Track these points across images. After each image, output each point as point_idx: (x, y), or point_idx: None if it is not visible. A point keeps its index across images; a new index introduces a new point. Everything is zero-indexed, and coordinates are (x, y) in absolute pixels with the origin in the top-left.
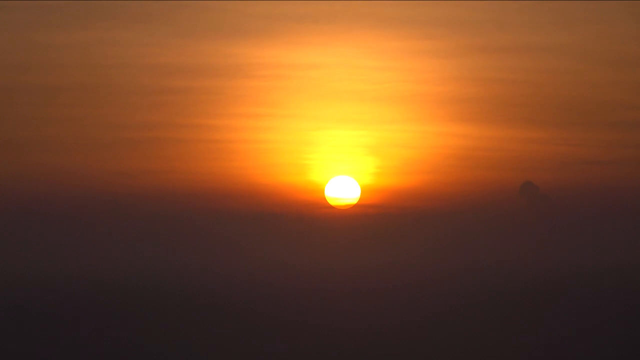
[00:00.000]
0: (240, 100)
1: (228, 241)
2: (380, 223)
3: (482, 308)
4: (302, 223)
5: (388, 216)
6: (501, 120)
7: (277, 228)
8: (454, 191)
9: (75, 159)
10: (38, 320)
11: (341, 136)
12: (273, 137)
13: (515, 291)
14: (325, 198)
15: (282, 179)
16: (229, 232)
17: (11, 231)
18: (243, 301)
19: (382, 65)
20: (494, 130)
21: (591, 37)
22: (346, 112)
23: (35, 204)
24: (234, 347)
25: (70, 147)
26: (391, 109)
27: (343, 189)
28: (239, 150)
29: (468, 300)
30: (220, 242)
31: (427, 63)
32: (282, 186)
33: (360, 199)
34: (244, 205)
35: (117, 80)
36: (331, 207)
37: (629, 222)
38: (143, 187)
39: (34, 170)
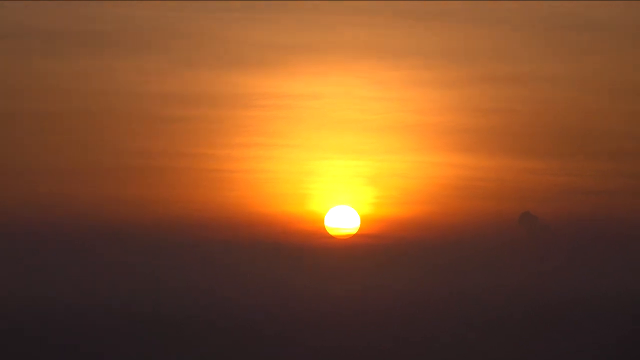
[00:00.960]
0: (240, 130)
1: (228, 269)
2: (379, 252)
3: (481, 331)
4: (302, 252)
5: (387, 246)
6: (500, 150)
7: (276, 257)
8: (453, 221)
9: (74, 185)
10: (38, 345)
11: (340, 166)
12: (273, 166)
13: (515, 315)
14: (324, 228)
15: (281, 209)
16: (229, 261)
17: (10, 256)
18: (243, 325)
19: (382, 95)
20: (493, 160)
21: (590, 66)
22: (345, 142)
23: (35, 229)
24: None
25: (70, 173)
26: (390, 139)
27: (342, 219)
28: (239, 180)
29: (467, 322)
30: (220, 270)
31: (426, 93)
32: (281, 215)
33: (359, 228)
34: (244, 234)
35: (118, 108)
36: (331, 237)
37: (627, 250)
38: (142, 214)
39: (34, 196)
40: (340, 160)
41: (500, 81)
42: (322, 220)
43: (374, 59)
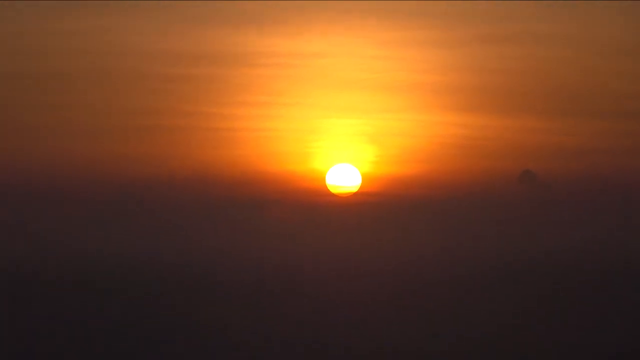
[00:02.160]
0: (243, 89)
1: (231, 226)
2: (380, 210)
3: (481, 290)
4: (304, 209)
5: (388, 203)
6: (498, 109)
7: (280, 214)
8: (453, 179)
9: (84, 143)
10: (46, 298)
11: (342, 125)
12: (276, 125)
13: (515, 272)
14: (326, 186)
15: (284, 167)
16: (232, 218)
17: (23, 214)
18: (246, 281)
19: (383, 54)
20: (491, 119)
21: (590, 26)
22: (348, 101)
23: (46, 186)
24: (238, 324)
25: (79, 132)
26: (391, 98)
27: (344, 177)
28: (242, 138)
29: (466, 282)
30: (223, 227)
31: (427, 53)
32: (284, 173)
33: (360, 186)
34: (248, 192)
35: (125, 67)
36: (332, 194)
37: (623, 208)
38: (148, 172)
39: (44, 154)
40: (342, 119)
41: (500, 41)
42: (324, 179)
43: (376, 19)
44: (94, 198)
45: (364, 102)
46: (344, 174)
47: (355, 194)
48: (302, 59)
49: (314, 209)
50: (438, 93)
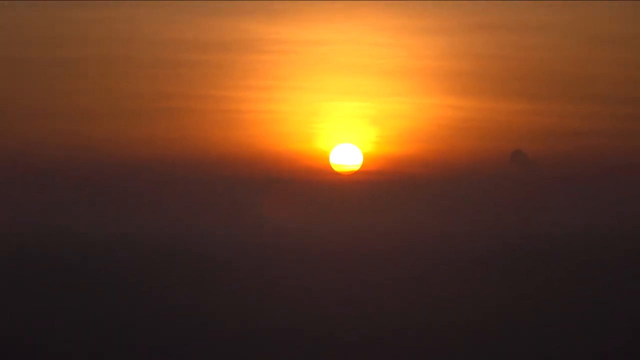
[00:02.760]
0: (250, 74)
1: (239, 203)
2: (380, 187)
3: (475, 264)
4: (308, 187)
5: (388, 181)
6: (492, 94)
7: (284, 192)
8: (449, 158)
9: (99, 126)
10: (58, 273)
11: (345, 107)
12: (281, 107)
13: (509, 247)
14: (330, 165)
15: (289, 147)
16: (240, 195)
17: (41, 194)
18: (252, 257)
19: (383, 41)
20: (486, 103)
21: (575, 16)
22: (350, 85)
23: (64, 167)
24: (241, 300)
25: (95, 116)
26: (391, 82)
27: (346, 156)
28: (250, 120)
29: (461, 257)
30: (231, 204)
31: (425, 40)
32: (289, 153)
33: (362, 165)
34: (254, 170)
35: (138, 54)
36: (336, 173)
37: (608, 185)
38: (160, 152)
39: (61, 137)
40: (345, 102)
41: (494, 30)
42: (328, 158)
43: (376, 8)
44: (110, 177)
45: (364, 86)
46: (346, 154)
47: (357, 172)
48: (305, 46)
49: (318, 186)
50: (436, 78)
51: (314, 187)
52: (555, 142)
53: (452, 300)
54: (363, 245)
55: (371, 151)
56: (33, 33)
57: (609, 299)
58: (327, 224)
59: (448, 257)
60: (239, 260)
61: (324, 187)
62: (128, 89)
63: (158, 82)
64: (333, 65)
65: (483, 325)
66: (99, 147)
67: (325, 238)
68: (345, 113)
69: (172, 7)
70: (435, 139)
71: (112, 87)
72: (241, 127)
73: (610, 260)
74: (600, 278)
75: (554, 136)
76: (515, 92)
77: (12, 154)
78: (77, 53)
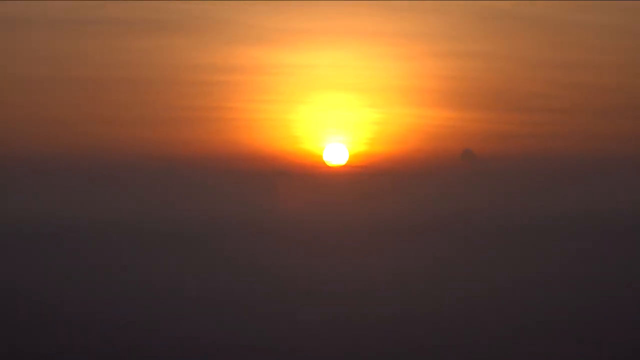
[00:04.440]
0: (261, 90)
1: (252, 189)
2: (362, 178)
3: (428, 234)
4: (305, 179)
5: (368, 174)
6: (449, 106)
7: (288, 181)
8: (415, 156)
9: (145, 131)
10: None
11: (334, 116)
12: (285, 116)
13: (454, 222)
14: (323, 160)
15: (292, 146)
16: (253, 183)
17: (89, 187)
18: (265, 226)
19: (364, 65)
20: (444, 113)
21: (516, 45)
22: (337, 99)
23: (111, 164)
24: (241, 282)
25: (142, 123)
26: (370, 97)
27: (336, 154)
28: (259, 126)
29: (421, 231)
30: (246, 190)
31: (397, 64)
32: (292, 151)
33: (348, 161)
34: (265, 165)
35: (173, 75)
36: (327, 167)
37: (537, 176)
38: (192, 151)
39: (114, 140)
40: (333, 112)
41: (451, 56)
42: (322, 155)
43: (357, 39)
44: (157, 169)
45: (349, 100)
46: (336, 152)
47: (344, 166)
48: (302, 69)
49: (314, 177)
50: (405, 93)
51: (310, 177)
52: (496, 143)
53: (404, 263)
54: (349, 219)
55: (355, 150)
56: (99, 59)
57: (526, 264)
58: (320, 205)
59: (410, 229)
60: (255, 229)
61: (318, 177)
62: (168, 103)
63: (193, 97)
64: (324, 84)
65: (431, 280)
66: (148, 147)
67: (320, 215)
68: (334, 120)
69: (198, 39)
70: (404, 141)
71: (157, 101)
72: (253, 131)
73: (537, 232)
74: (525, 245)
75: (495, 138)
76: (467, 104)
77: (87, 153)
78: (126, 74)
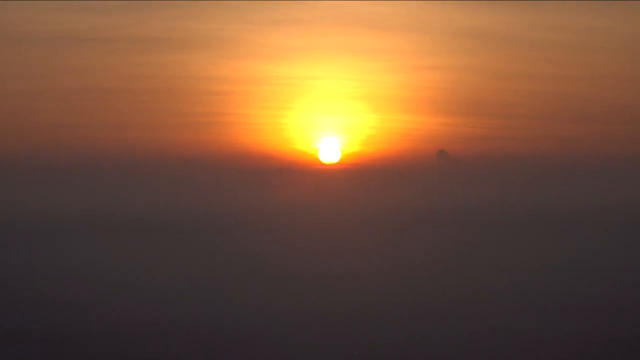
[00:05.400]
0: (264, 98)
1: (256, 184)
2: (353, 175)
3: (410, 226)
4: (303, 174)
5: (358, 170)
6: (428, 112)
7: (288, 176)
8: (397, 155)
9: (165, 133)
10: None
11: (329, 120)
12: (286, 121)
13: (434, 215)
14: (318, 158)
15: (291, 147)
16: (256, 178)
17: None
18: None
19: (355, 77)
20: (424, 118)
21: (485, 60)
22: (334, 108)
23: (130, 163)
24: (241, 268)
25: (163, 126)
26: (360, 104)
27: (330, 153)
28: (263, 129)
29: (403, 220)
30: (251, 184)
31: (384, 76)
32: (291, 151)
33: (340, 159)
34: (269, 162)
35: (188, 86)
36: (322, 164)
37: (506, 175)
38: (205, 150)
39: (140, 141)
40: (329, 117)
41: (430, 69)
42: (317, 154)
43: (349, 54)
44: (176, 166)
45: (342, 107)
46: (330, 151)
47: (337, 164)
48: (302, 80)
49: (310, 173)
50: (391, 102)
51: (307, 173)
52: (468, 144)
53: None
54: (341, 210)
55: (347, 150)
56: (122, 71)
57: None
58: (315, 197)
59: (394, 220)
60: (258, 219)
61: (314, 173)
62: (181, 110)
63: (199, 105)
64: (320, 93)
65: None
66: (166, 147)
67: (316, 206)
68: (329, 124)
69: (209, 55)
70: (389, 143)
71: (175, 108)
72: (258, 134)
73: (502, 222)
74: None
75: (467, 140)
76: (443, 110)
77: (112, 154)
78: (144, 86)
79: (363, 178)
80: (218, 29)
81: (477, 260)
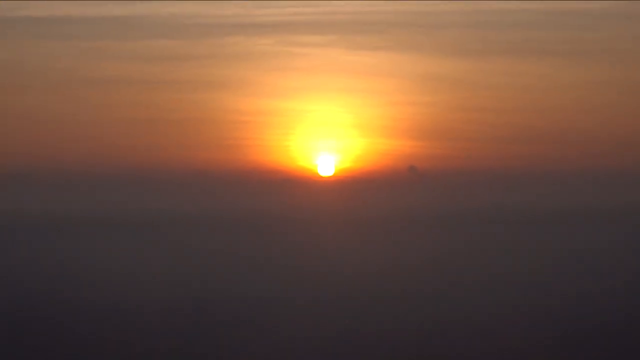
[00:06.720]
0: (275, 126)
1: (262, 191)
2: (345, 184)
3: (399, 228)
4: (304, 183)
5: (350, 181)
6: (404, 137)
7: (290, 186)
8: (380, 170)
9: (199, 152)
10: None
11: (326, 144)
12: (290, 143)
13: (415, 215)
14: (317, 171)
15: (295, 163)
16: (263, 187)
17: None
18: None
19: (348, 110)
20: (400, 141)
21: (447, 97)
22: (329, 133)
23: (175, 171)
24: (242, 268)
25: (197, 147)
26: (351, 130)
27: (326, 166)
28: (273, 149)
29: (384, 225)
30: (257, 191)
31: (369, 110)
32: (293, 164)
33: (335, 172)
34: (275, 173)
35: (216, 117)
36: (320, 176)
37: (463, 185)
38: (228, 165)
39: (179, 157)
40: (325, 141)
41: (403, 104)
42: (316, 167)
43: (342, 95)
44: (201, 177)
45: (336, 133)
46: (326, 166)
47: (332, 177)
48: (302, 112)
49: (311, 184)
50: (374, 129)
51: (308, 184)
52: (433, 162)
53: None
54: (337, 214)
55: (340, 166)
56: (165, 105)
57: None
58: (315, 203)
59: (380, 221)
60: (262, 223)
61: (314, 184)
62: (213, 134)
63: (227, 131)
64: (317, 122)
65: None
66: (200, 163)
67: (315, 210)
68: (326, 145)
69: (234, 92)
70: (374, 160)
71: (204, 133)
72: (269, 153)
73: (460, 221)
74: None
75: (433, 158)
76: (414, 136)
77: (161, 165)
78: (187, 115)
79: (353, 188)
80: (239, 74)
81: (447, 255)
